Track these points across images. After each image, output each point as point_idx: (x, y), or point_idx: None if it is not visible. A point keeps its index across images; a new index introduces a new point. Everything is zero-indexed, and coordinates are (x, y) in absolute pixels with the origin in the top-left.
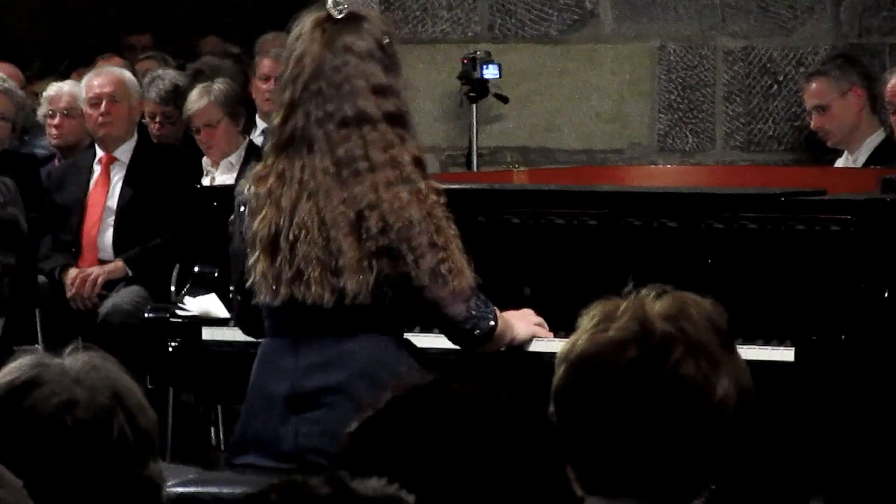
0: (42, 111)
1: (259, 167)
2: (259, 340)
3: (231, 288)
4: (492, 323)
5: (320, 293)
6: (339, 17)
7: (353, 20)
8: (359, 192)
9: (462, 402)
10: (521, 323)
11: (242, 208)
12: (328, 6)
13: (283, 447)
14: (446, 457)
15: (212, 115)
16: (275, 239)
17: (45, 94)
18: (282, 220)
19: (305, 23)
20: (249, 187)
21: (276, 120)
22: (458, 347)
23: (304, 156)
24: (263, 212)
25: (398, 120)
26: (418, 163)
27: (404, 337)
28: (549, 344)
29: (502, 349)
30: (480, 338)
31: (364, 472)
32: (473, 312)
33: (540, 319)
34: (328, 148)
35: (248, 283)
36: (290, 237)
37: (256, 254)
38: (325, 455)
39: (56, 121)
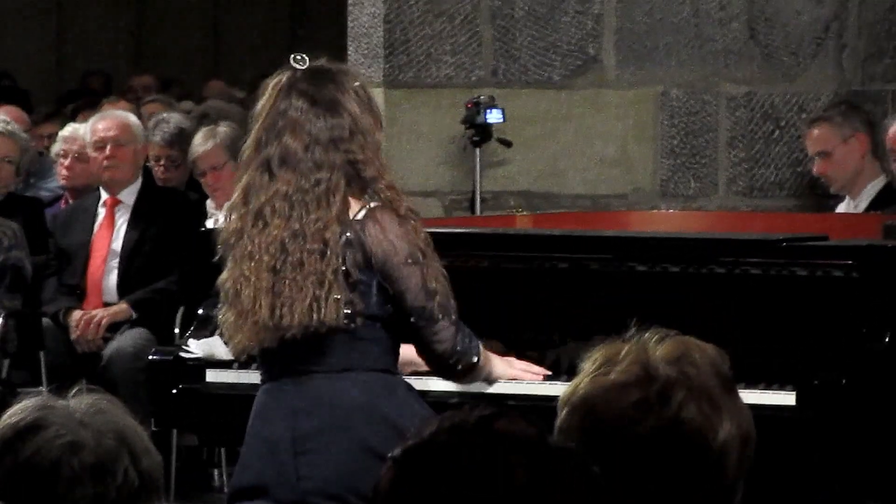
0: (56, 149)
1: (223, 224)
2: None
3: None
4: (474, 359)
5: (256, 334)
6: (301, 67)
7: (317, 71)
8: (316, 221)
9: (504, 441)
10: (502, 364)
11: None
12: (291, 60)
13: (285, 491)
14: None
15: (217, 158)
16: (232, 291)
17: (61, 132)
18: (235, 272)
19: (270, 83)
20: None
21: (238, 182)
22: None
23: (262, 191)
24: (228, 265)
25: (363, 164)
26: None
27: (394, 371)
28: (539, 387)
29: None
30: (462, 372)
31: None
32: (458, 348)
33: (525, 365)
34: (265, 192)
35: (220, 335)
36: (237, 287)
37: (223, 307)
38: (328, 495)
39: (67, 162)
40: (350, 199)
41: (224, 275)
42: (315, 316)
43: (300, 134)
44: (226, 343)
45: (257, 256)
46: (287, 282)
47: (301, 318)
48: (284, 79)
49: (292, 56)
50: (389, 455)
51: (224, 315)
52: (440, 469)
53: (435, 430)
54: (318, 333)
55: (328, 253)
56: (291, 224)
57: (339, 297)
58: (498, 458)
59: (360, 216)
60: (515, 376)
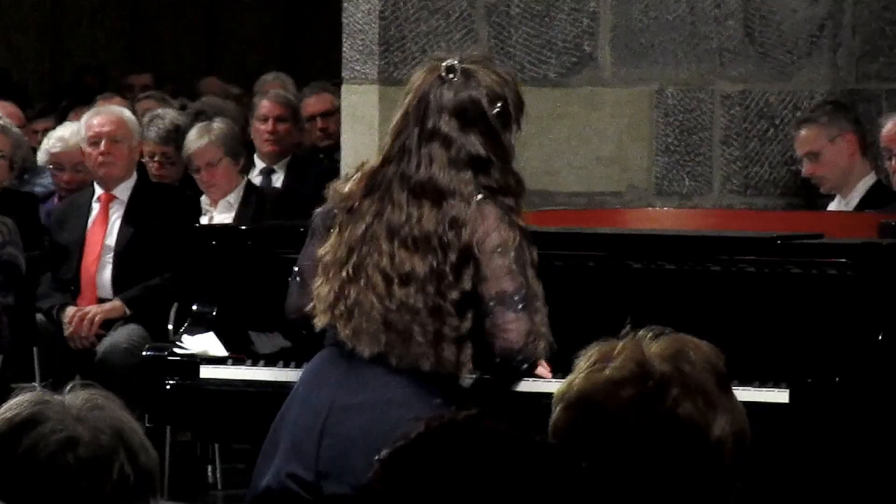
0: (44, 157)
1: (346, 189)
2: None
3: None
4: (535, 365)
5: (366, 348)
6: (453, 79)
7: (466, 80)
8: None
9: (492, 441)
10: None
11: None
12: (441, 69)
13: (307, 454)
14: (471, 495)
15: (212, 154)
16: (335, 271)
17: (44, 145)
18: (342, 252)
19: (421, 75)
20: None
21: (376, 161)
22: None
23: (381, 205)
24: (332, 236)
25: (503, 191)
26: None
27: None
28: (547, 384)
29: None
30: (522, 374)
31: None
32: (529, 348)
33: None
34: (399, 206)
35: (309, 307)
36: (345, 275)
37: (320, 279)
38: (339, 474)
39: (66, 176)
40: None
41: (327, 246)
42: (447, 366)
43: (442, 164)
44: (305, 310)
45: (387, 276)
46: (424, 326)
47: (436, 366)
48: (435, 89)
49: (444, 66)
50: (376, 458)
51: (319, 287)
52: (428, 470)
53: (422, 431)
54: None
55: (466, 304)
56: (430, 260)
57: (468, 351)
58: (485, 458)
59: (470, 210)
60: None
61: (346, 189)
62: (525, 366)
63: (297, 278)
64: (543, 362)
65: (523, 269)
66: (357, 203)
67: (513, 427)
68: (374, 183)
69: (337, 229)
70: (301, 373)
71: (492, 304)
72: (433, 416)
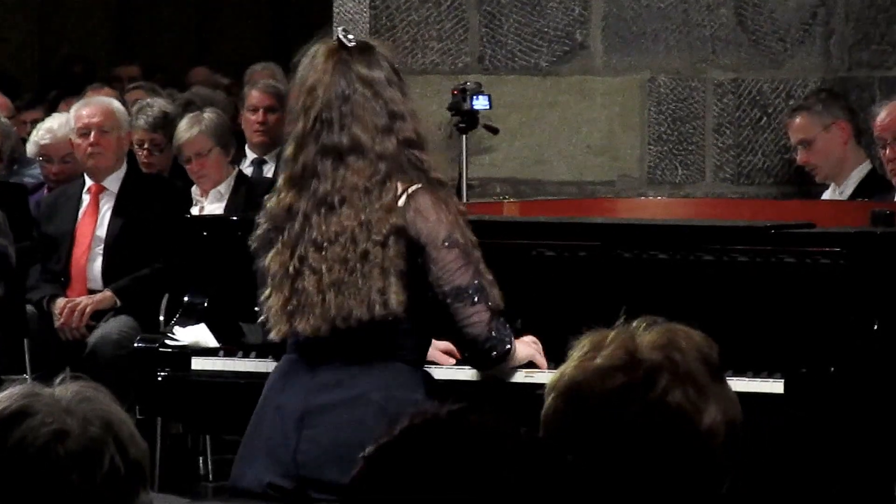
0: (33, 149)
1: (273, 201)
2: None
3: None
4: (508, 346)
5: (317, 325)
6: (351, 45)
7: (365, 49)
8: (367, 217)
9: (477, 435)
10: (522, 346)
11: (254, 245)
12: (339, 35)
13: (283, 459)
14: (457, 490)
15: (202, 144)
16: (282, 274)
17: (33, 136)
18: (286, 255)
19: (318, 52)
20: (261, 224)
21: (288, 152)
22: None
23: (311, 188)
24: (274, 247)
25: (414, 143)
26: (439, 183)
27: (421, 367)
28: (541, 375)
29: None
30: (496, 359)
31: (375, 500)
32: (493, 334)
33: (539, 346)
34: (332, 180)
35: (260, 320)
36: (291, 271)
37: (267, 290)
38: (319, 473)
39: (55, 168)
40: (398, 184)
41: (271, 257)
42: (378, 308)
43: (367, 124)
44: (267, 327)
45: (325, 245)
46: (356, 274)
47: (369, 310)
48: (335, 55)
49: (341, 30)
50: (361, 454)
51: (269, 300)
52: (412, 466)
53: (406, 427)
54: (328, 326)
55: (388, 242)
56: (361, 215)
57: (399, 287)
58: (470, 453)
59: (401, 202)
60: (533, 358)
61: (275, 200)
62: (494, 352)
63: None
64: (540, 354)
65: (469, 253)
66: (290, 202)
67: (498, 421)
68: (298, 174)
69: (279, 238)
70: (268, 379)
71: (449, 301)
72: (417, 411)
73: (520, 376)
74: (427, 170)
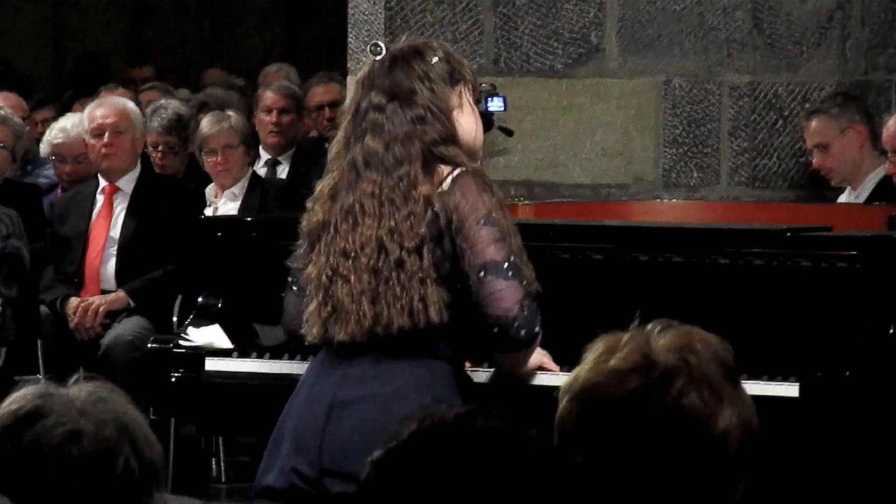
0: (46, 149)
1: (313, 205)
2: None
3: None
4: (537, 330)
5: (353, 332)
6: (378, 58)
7: (396, 58)
8: (410, 209)
9: (484, 438)
10: (534, 354)
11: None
12: (368, 50)
13: (309, 450)
14: (464, 493)
15: (230, 138)
16: (317, 282)
17: (47, 136)
18: (320, 262)
19: (364, 65)
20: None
21: (331, 155)
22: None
23: (339, 201)
24: (313, 257)
25: (444, 141)
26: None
27: (460, 367)
28: (555, 377)
29: (516, 374)
30: (523, 341)
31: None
32: (526, 313)
33: (546, 352)
34: (353, 192)
35: (302, 329)
36: (325, 279)
37: (309, 297)
38: (340, 469)
39: (69, 168)
40: (434, 176)
41: (311, 267)
42: (421, 317)
43: (380, 134)
44: (302, 330)
45: (353, 255)
46: (391, 283)
47: (411, 319)
48: (365, 71)
49: (370, 46)
50: (369, 459)
51: (309, 305)
52: (419, 470)
53: (414, 430)
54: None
55: (424, 250)
56: (386, 222)
57: (440, 295)
58: (477, 456)
59: (446, 184)
60: (542, 363)
61: (311, 215)
62: (523, 331)
63: (293, 287)
64: (548, 359)
65: (507, 234)
66: (326, 210)
67: (506, 423)
68: (332, 186)
69: (317, 245)
70: (305, 369)
71: (481, 273)
72: (424, 414)
73: (534, 379)
74: (460, 164)
